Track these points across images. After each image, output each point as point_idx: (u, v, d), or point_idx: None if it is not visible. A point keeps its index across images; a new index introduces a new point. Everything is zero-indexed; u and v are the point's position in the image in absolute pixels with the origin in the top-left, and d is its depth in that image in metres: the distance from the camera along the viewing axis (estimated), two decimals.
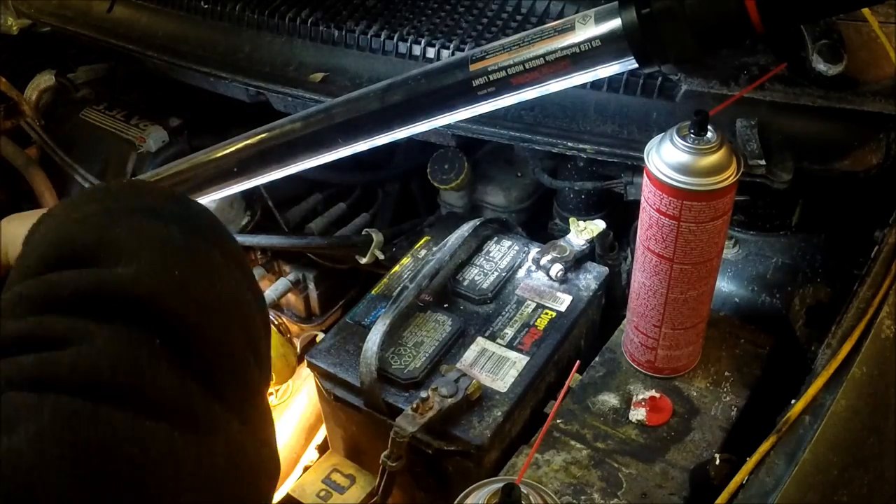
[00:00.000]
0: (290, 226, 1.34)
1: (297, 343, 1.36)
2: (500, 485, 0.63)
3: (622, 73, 1.00)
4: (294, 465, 1.26)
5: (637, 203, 0.85)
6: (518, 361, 0.94)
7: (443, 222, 1.22)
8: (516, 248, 1.10)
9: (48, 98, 1.48)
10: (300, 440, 1.27)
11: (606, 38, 0.69)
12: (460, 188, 1.22)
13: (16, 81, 1.45)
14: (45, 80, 1.47)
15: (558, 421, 0.89)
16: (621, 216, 1.18)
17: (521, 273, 1.06)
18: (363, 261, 1.25)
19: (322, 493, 1.03)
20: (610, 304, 1.09)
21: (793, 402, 0.73)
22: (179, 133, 1.34)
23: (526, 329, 0.98)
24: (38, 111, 1.46)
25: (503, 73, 0.73)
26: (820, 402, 0.71)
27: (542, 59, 0.71)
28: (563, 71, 0.72)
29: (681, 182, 0.77)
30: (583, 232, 1.07)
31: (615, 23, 0.69)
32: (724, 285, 1.03)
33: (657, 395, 0.90)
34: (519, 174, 1.25)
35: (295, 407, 1.27)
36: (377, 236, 1.24)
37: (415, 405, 0.87)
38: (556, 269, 1.04)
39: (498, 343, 0.97)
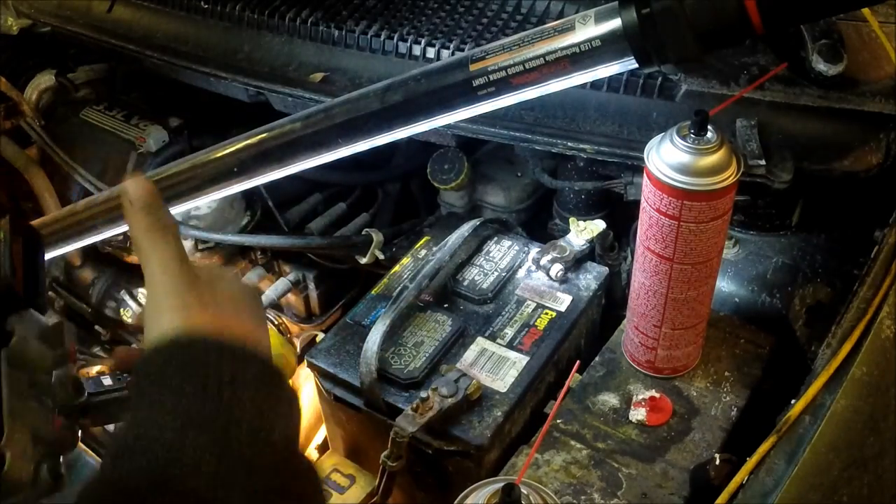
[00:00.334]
0: (290, 226, 1.34)
1: (297, 343, 1.36)
2: (500, 485, 0.63)
3: (622, 73, 1.00)
4: None
5: (637, 203, 0.85)
6: (518, 361, 0.94)
7: (443, 222, 1.22)
8: (516, 248, 1.10)
9: (48, 98, 1.48)
10: (300, 440, 1.26)
11: (606, 38, 0.69)
12: (460, 188, 1.22)
13: (16, 81, 1.45)
14: (45, 80, 1.47)
15: (558, 421, 0.89)
16: (621, 216, 1.18)
17: (521, 273, 1.06)
18: (363, 261, 1.25)
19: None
20: (610, 304, 1.09)
21: (793, 402, 0.73)
22: (179, 133, 1.34)
23: (526, 329, 0.98)
24: (38, 111, 1.46)
25: (503, 73, 0.73)
26: (820, 402, 0.71)
27: (542, 59, 0.71)
28: (563, 71, 0.72)
29: (681, 182, 0.77)
30: (583, 232, 1.07)
31: (615, 23, 0.69)
32: (724, 285, 1.03)
33: (657, 395, 0.90)
34: (519, 174, 1.25)
35: None
36: (377, 236, 1.24)
37: (415, 405, 0.87)
38: (556, 269, 1.04)
39: (498, 343, 0.97)
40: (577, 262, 1.05)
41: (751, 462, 0.70)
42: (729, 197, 0.79)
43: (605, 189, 1.12)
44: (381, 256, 1.24)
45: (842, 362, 0.73)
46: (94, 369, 1.21)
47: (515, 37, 0.73)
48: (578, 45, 0.70)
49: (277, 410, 0.56)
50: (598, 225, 1.07)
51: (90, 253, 1.38)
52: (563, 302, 1.01)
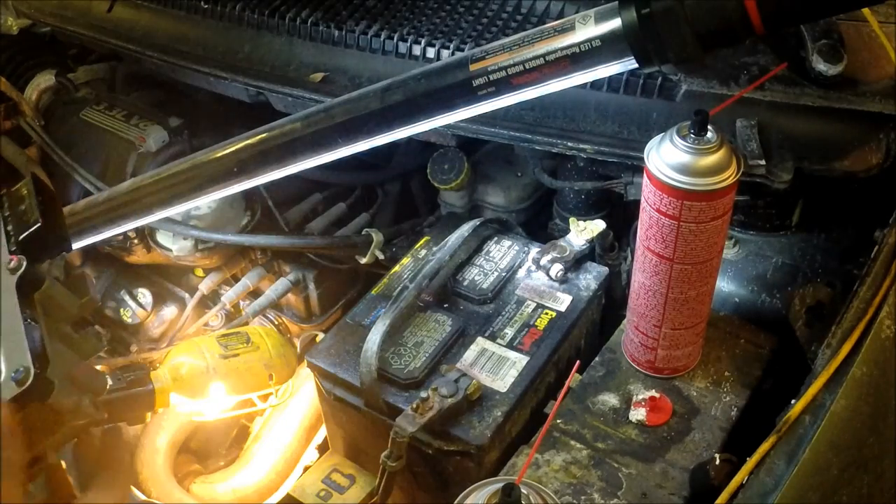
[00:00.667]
0: (290, 226, 1.34)
1: (297, 343, 1.36)
2: (500, 485, 0.63)
3: (622, 73, 1.00)
4: (294, 465, 1.26)
5: (637, 203, 0.85)
6: (518, 361, 0.94)
7: (443, 222, 1.22)
8: (516, 248, 1.10)
9: (48, 98, 1.48)
10: (300, 440, 1.27)
11: (606, 38, 0.69)
12: (460, 188, 1.22)
13: (16, 81, 1.45)
14: (45, 80, 1.47)
15: (558, 421, 0.89)
16: (621, 216, 1.18)
17: (521, 273, 1.06)
18: (363, 261, 1.25)
19: (322, 493, 1.03)
20: (610, 304, 1.09)
21: (793, 402, 0.73)
22: (179, 133, 1.34)
23: (526, 329, 0.98)
24: (38, 111, 1.46)
25: (503, 73, 0.73)
26: (820, 402, 0.71)
27: (542, 59, 0.71)
28: (563, 71, 0.72)
29: (681, 182, 0.77)
30: (583, 232, 1.07)
31: (615, 23, 0.69)
32: (724, 285, 1.03)
33: (657, 395, 0.90)
34: (519, 174, 1.25)
35: (295, 407, 1.27)
36: (377, 236, 1.24)
37: (415, 405, 0.87)
38: (556, 269, 1.04)
39: (498, 343, 0.97)
40: (577, 262, 1.05)
41: (751, 462, 0.70)
42: (729, 197, 0.79)
43: (605, 189, 1.12)
44: (381, 256, 1.24)
45: (842, 362, 0.73)
46: None
47: (515, 37, 0.73)
48: (578, 45, 0.70)
49: None
50: (598, 225, 1.07)
51: (90, 253, 1.38)
52: (563, 302, 1.01)
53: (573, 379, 0.92)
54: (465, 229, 1.07)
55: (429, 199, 1.36)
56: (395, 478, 0.89)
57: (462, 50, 1.10)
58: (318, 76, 1.20)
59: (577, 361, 0.84)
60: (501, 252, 1.09)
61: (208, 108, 1.41)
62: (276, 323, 1.38)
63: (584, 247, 1.06)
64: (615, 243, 1.09)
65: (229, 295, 1.33)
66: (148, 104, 1.44)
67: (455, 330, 0.98)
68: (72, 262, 1.42)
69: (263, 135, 0.86)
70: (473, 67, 0.74)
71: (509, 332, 0.98)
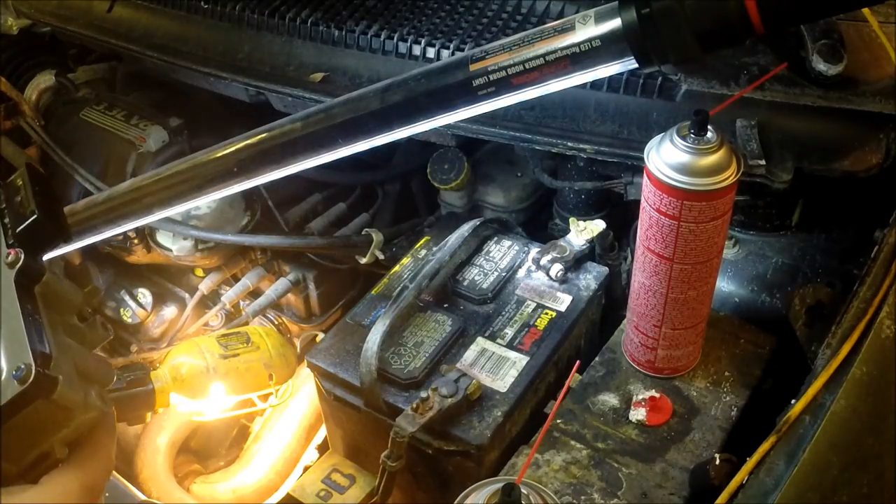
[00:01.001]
0: (290, 226, 1.34)
1: (297, 343, 1.36)
2: (500, 485, 0.63)
3: (622, 73, 1.00)
4: (294, 465, 1.26)
5: (637, 203, 0.85)
6: (518, 361, 0.94)
7: (443, 222, 1.22)
8: (516, 248, 1.10)
9: (48, 98, 1.48)
10: (300, 440, 1.27)
11: (606, 38, 0.69)
12: (460, 188, 1.22)
13: (16, 81, 1.45)
14: (45, 80, 1.47)
15: (558, 421, 0.89)
16: (621, 216, 1.18)
17: (521, 273, 1.06)
18: (363, 261, 1.25)
19: (322, 493, 1.03)
20: (610, 304, 1.09)
21: (793, 402, 0.73)
22: (179, 133, 1.34)
23: (526, 329, 0.98)
24: (38, 111, 1.46)
25: (503, 73, 0.73)
26: (820, 402, 0.71)
27: (542, 59, 0.71)
28: (563, 71, 0.72)
29: (681, 182, 0.77)
30: (583, 232, 1.07)
31: (615, 23, 0.69)
32: (724, 285, 1.03)
33: (657, 395, 0.90)
34: (519, 174, 1.25)
35: (295, 407, 1.27)
36: (377, 236, 1.24)
37: (415, 405, 0.87)
38: (556, 269, 1.04)
39: (498, 343, 0.97)
40: (577, 262, 1.05)
41: (751, 462, 0.70)
42: (729, 197, 0.79)
43: (605, 189, 1.12)
44: (381, 256, 1.24)
45: (842, 362, 0.73)
46: None
47: (515, 37, 0.73)
48: (578, 45, 0.70)
49: None
50: (598, 225, 1.07)
51: (90, 253, 1.38)
52: (563, 302, 1.01)
53: (573, 379, 0.92)
54: (465, 229, 1.07)
55: (429, 199, 1.36)
56: (395, 478, 0.89)
57: (462, 50, 1.10)
58: (318, 76, 1.20)
59: (577, 361, 0.84)
60: (501, 252, 1.09)
61: (208, 108, 1.41)
62: (276, 323, 1.38)
63: (584, 247, 1.06)
64: (615, 243, 1.09)
65: (229, 295, 1.33)
66: (148, 104, 1.44)
67: (455, 330, 0.98)
68: (72, 262, 1.42)
69: (263, 135, 0.86)
70: (473, 67, 0.74)
71: (509, 332, 0.98)
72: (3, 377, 0.54)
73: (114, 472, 0.96)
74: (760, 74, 0.94)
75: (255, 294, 1.36)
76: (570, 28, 0.71)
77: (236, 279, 1.37)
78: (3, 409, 0.54)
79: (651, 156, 0.79)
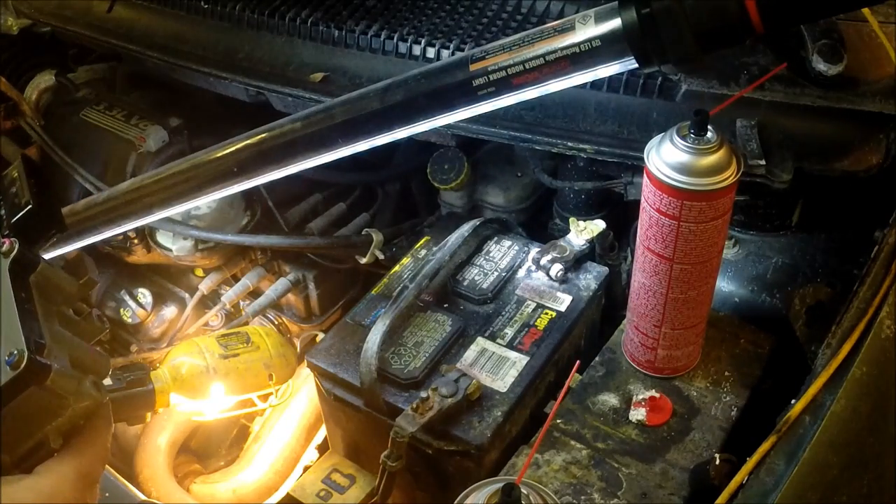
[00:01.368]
0: (290, 226, 1.34)
1: (297, 343, 1.36)
2: (500, 485, 0.63)
3: (622, 73, 1.00)
4: (294, 465, 1.26)
5: (637, 203, 0.85)
6: (518, 361, 0.94)
7: (443, 222, 1.22)
8: (516, 248, 1.10)
9: (48, 98, 1.48)
10: (300, 440, 1.27)
11: (606, 38, 0.69)
12: (460, 188, 1.22)
13: (16, 81, 1.45)
14: (45, 80, 1.47)
15: (558, 421, 0.89)
16: (621, 216, 1.18)
17: (521, 273, 1.06)
18: (363, 261, 1.25)
19: (322, 493, 1.03)
20: (610, 304, 1.09)
21: (793, 402, 0.73)
22: (179, 133, 1.34)
23: (526, 329, 0.98)
24: (38, 111, 1.46)
25: (503, 73, 0.73)
26: (820, 402, 0.71)
27: (542, 59, 0.71)
28: (563, 71, 0.72)
29: (681, 182, 0.77)
30: (583, 232, 1.07)
31: (615, 23, 0.69)
32: (724, 285, 1.02)
33: (657, 395, 0.90)
34: (519, 174, 1.25)
35: (295, 407, 1.27)
36: (377, 236, 1.24)
37: (415, 405, 0.87)
38: (556, 269, 1.04)
39: (498, 343, 0.97)
40: (577, 262, 1.05)
41: (751, 462, 0.70)
42: (729, 197, 0.79)
43: (605, 189, 1.12)
44: (381, 256, 1.24)
45: (842, 362, 0.73)
46: None
47: (515, 37, 0.73)
48: (578, 45, 0.70)
49: None
50: (598, 225, 1.07)
51: (90, 253, 1.38)
52: (563, 302, 1.01)
53: (573, 379, 0.92)
54: (465, 229, 1.07)
55: (429, 199, 1.36)
56: (395, 478, 0.89)
57: (462, 50, 1.10)
58: (318, 76, 1.20)
59: (577, 361, 0.84)
60: (501, 252, 1.09)
61: (208, 108, 1.40)
62: (276, 323, 1.38)
63: (584, 247, 1.06)
64: (615, 243, 1.09)
65: (229, 295, 1.33)
66: (148, 104, 1.44)
67: (455, 330, 0.98)
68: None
69: (263, 135, 0.86)
70: (473, 67, 0.74)
71: (509, 332, 0.98)
72: None
73: (114, 473, 0.96)
74: (760, 74, 0.94)
75: (255, 294, 1.36)
76: (570, 28, 0.71)
77: (236, 279, 1.37)
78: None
79: (651, 156, 0.79)
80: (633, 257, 0.91)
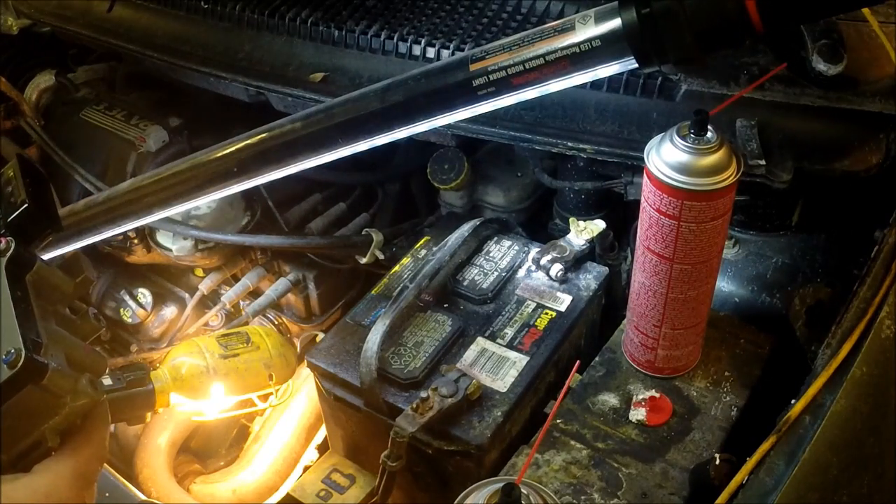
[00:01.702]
0: (290, 226, 1.34)
1: (297, 343, 1.36)
2: (500, 485, 0.63)
3: (622, 73, 1.00)
4: (294, 465, 1.26)
5: (637, 203, 0.85)
6: (518, 361, 0.94)
7: (443, 222, 1.22)
8: (516, 248, 1.10)
9: (48, 98, 1.48)
10: (300, 440, 1.27)
11: (606, 38, 0.69)
12: (460, 188, 1.22)
13: (16, 81, 1.45)
14: (45, 80, 1.47)
15: (558, 421, 0.89)
16: (621, 216, 1.18)
17: (521, 273, 1.06)
18: (363, 261, 1.25)
19: (322, 493, 1.03)
20: (610, 304, 1.09)
21: (793, 402, 0.73)
22: (179, 133, 1.34)
23: (526, 329, 0.98)
24: (38, 111, 1.46)
25: (503, 73, 0.73)
26: (820, 402, 0.71)
27: (542, 59, 0.71)
28: (563, 71, 0.72)
29: (681, 182, 0.77)
30: (583, 232, 1.07)
31: (615, 23, 0.69)
32: (724, 285, 1.02)
33: (657, 395, 0.90)
34: (519, 174, 1.25)
35: (295, 407, 1.27)
36: (377, 236, 1.24)
37: (415, 405, 0.87)
38: (556, 269, 1.04)
39: (498, 343, 0.97)
40: (577, 262, 1.05)
41: (751, 462, 0.70)
42: (729, 197, 0.79)
43: (605, 189, 1.12)
44: (381, 256, 1.24)
45: (842, 362, 0.73)
46: None
47: (515, 37, 0.73)
48: (578, 45, 0.70)
49: None
50: (598, 225, 1.07)
51: (90, 253, 1.38)
52: (563, 302, 1.01)
53: (573, 379, 0.92)
54: (465, 229, 1.07)
55: (429, 199, 1.36)
56: (395, 478, 0.89)
57: (462, 50, 1.10)
58: (318, 76, 1.20)
59: (577, 361, 0.84)
60: (501, 252, 1.09)
61: (208, 108, 1.41)
62: (276, 323, 1.38)
63: (584, 247, 1.06)
64: (615, 243, 1.09)
65: (229, 295, 1.33)
66: (148, 104, 1.44)
67: (455, 330, 0.98)
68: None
69: (263, 135, 0.86)
70: (473, 67, 0.74)
71: (509, 332, 0.98)
72: None
73: (114, 473, 0.96)
74: (760, 74, 0.94)
75: (255, 294, 1.36)
76: (570, 28, 0.71)
77: (236, 279, 1.37)
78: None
79: (651, 156, 0.79)
80: (633, 257, 0.91)
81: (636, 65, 0.70)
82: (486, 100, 0.76)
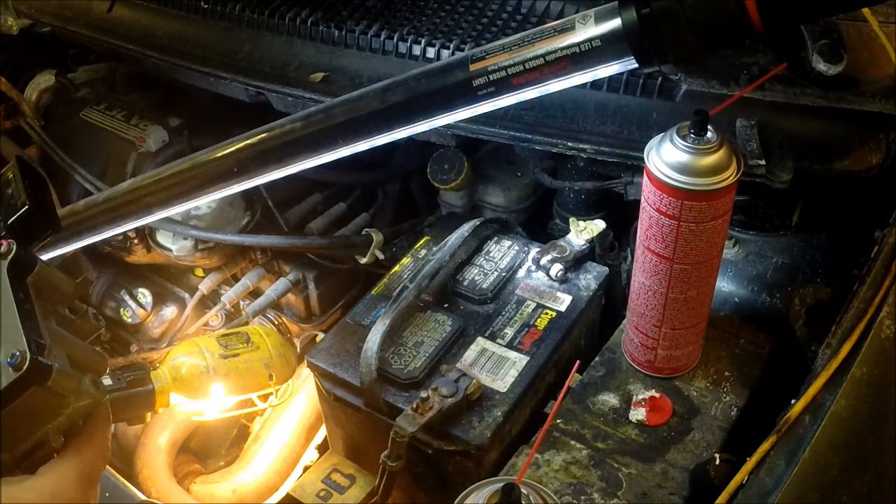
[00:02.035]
0: (290, 226, 1.34)
1: (297, 343, 1.36)
2: (500, 485, 0.63)
3: (622, 73, 1.00)
4: (294, 465, 1.26)
5: (637, 203, 0.85)
6: (518, 361, 0.94)
7: (443, 222, 1.22)
8: (516, 248, 1.10)
9: (48, 98, 1.48)
10: (300, 440, 1.27)
11: (606, 38, 0.69)
12: (460, 188, 1.22)
13: (16, 81, 1.45)
14: (45, 80, 1.47)
15: (558, 421, 0.89)
16: (621, 216, 1.18)
17: (521, 273, 1.06)
18: (363, 261, 1.25)
19: (322, 493, 1.03)
20: (610, 304, 1.09)
21: (793, 402, 0.73)
22: (179, 133, 1.34)
23: (526, 329, 0.98)
24: (38, 111, 1.46)
25: (503, 73, 0.73)
26: (820, 402, 0.71)
27: (542, 59, 0.71)
28: (563, 71, 0.72)
29: (681, 182, 0.77)
30: (583, 232, 1.07)
31: (615, 23, 0.69)
32: (724, 285, 1.02)
33: (657, 395, 0.90)
34: (519, 174, 1.25)
35: (295, 407, 1.27)
36: (377, 236, 1.24)
37: (415, 405, 0.87)
38: (556, 269, 1.04)
39: (498, 343, 0.97)
40: (577, 262, 1.05)
41: (751, 462, 0.70)
42: (729, 197, 0.79)
43: (605, 189, 1.12)
44: (381, 256, 1.24)
45: (842, 362, 0.73)
46: None
47: (515, 37, 0.73)
48: (578, 45, 0.70)
49: None
50: (598, 225, 1.07)
51: (90, 253, 1.38)
52: (563, 302, 1.01)
53: (573, 379, 0.92)
54: (465, 229, 1.07)
55: (429, 199, 1.36)
56: (395, 478, 0.89)
57: (462, 50, 1.10)
58: (318, 76, 1.20)
59: (577, 361, 0.84)
60: (501, 252, 1.09)
61: (208, 108, 1.41)
62: (276, 323, 1.38)
63: (584, 247, 1.06)
64: (615, 243, 1.09)
65: (229, 295, 1.33)
66: (148, 104, 1.44)
67: (455, 330, 0.98)
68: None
69: (263, 135, 0.86)
70: (473, 67, 0.74)
71: (509, 332, 0.98)
72: None
73: (114, 473, 0.96)
74: (760, 74, 0.94)
75: (255, 294, 1.36)
76: (570, 28, 0.71)
77: (236, 279, 1.37)
78: (1, 396, 0.54)
79: (651, 156, 0.79)
80: (633, 257, 0.91)
81: (636, 65, 0.70)
82: (486, 100, 0.76)
